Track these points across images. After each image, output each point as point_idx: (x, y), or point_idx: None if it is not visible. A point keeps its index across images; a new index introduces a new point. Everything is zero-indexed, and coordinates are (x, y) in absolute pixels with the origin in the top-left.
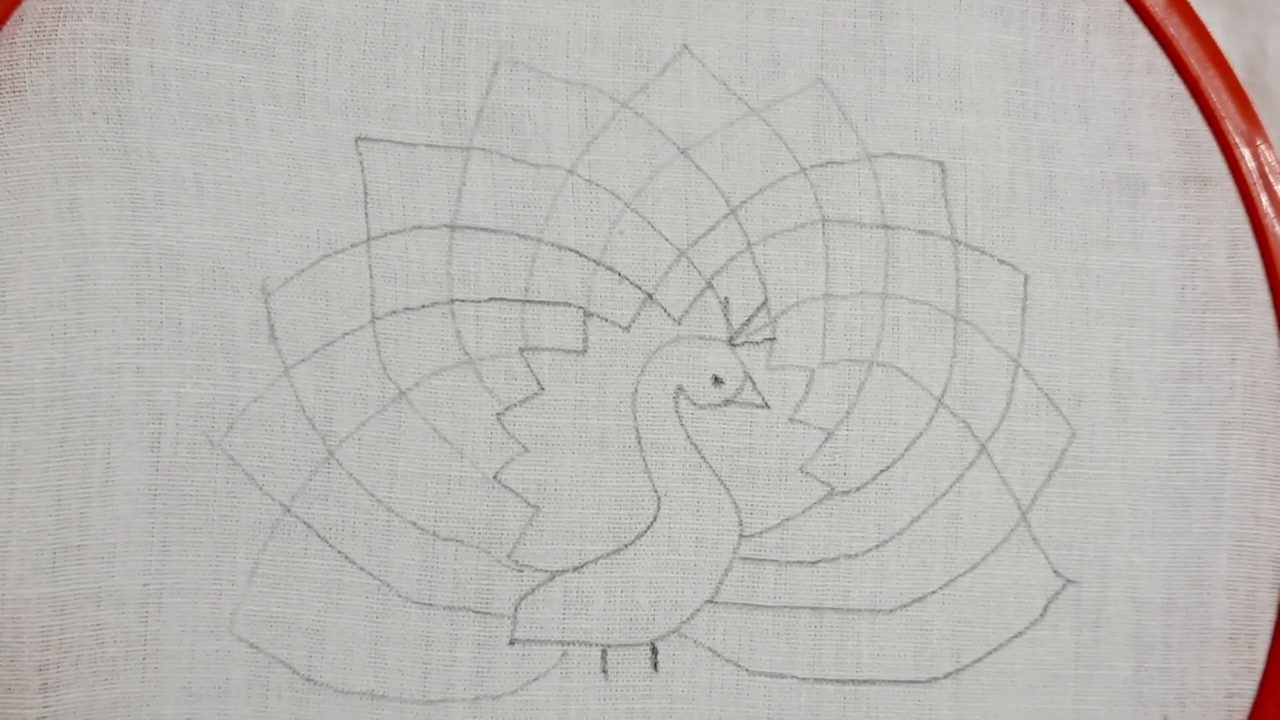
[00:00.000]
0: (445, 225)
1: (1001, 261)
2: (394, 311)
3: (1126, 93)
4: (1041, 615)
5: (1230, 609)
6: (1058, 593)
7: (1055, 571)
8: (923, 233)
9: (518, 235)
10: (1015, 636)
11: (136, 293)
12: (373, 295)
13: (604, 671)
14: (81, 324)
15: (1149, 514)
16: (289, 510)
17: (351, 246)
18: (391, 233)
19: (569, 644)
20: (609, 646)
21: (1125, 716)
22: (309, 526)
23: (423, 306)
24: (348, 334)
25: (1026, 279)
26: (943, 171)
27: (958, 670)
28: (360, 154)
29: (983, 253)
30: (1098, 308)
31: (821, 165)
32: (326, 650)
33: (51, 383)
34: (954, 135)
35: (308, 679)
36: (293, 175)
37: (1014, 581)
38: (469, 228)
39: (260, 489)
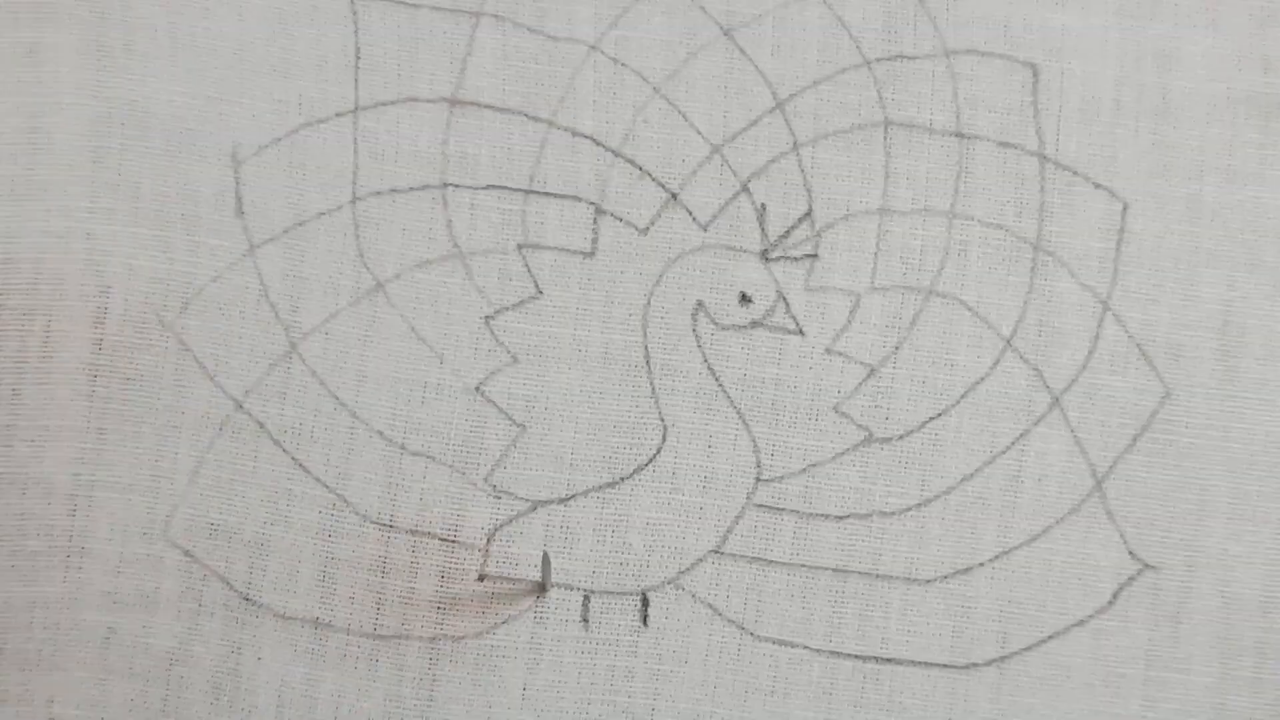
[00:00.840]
0: (444, 99)
1: (1097, 185)
2: (378, 192)
3: None
4: (1110, 603)
5: None
6: (1132, 578)
7: (1131, 553)
8: (1004, 145)
9: (526, 116)
10: (1076, 624)
11: (94, 150)
12: (355, 172)
13: (584, 620)
14: (31, 181)
15: (1252, 495)
16: (240, 406)
17: (336, 116)
18: (383, 103)
19: (545, 586)
20: (592, 592)
21: None
22: (261, 426)
23: (411, 189)
24: (324, 214)
25: (1126, 207)
26: (1035, 75)
27: (1003, 658)
28: (355, 12)
29: (1075, 173)
30: (1210, 248)
31: (889, 59)
32: (269, 567)
33: None
34: (1052, 34)
35: (245, 597)
36: (277, 32)
37: (1080, 560)
38: (471, 103)
39: (211, 379)
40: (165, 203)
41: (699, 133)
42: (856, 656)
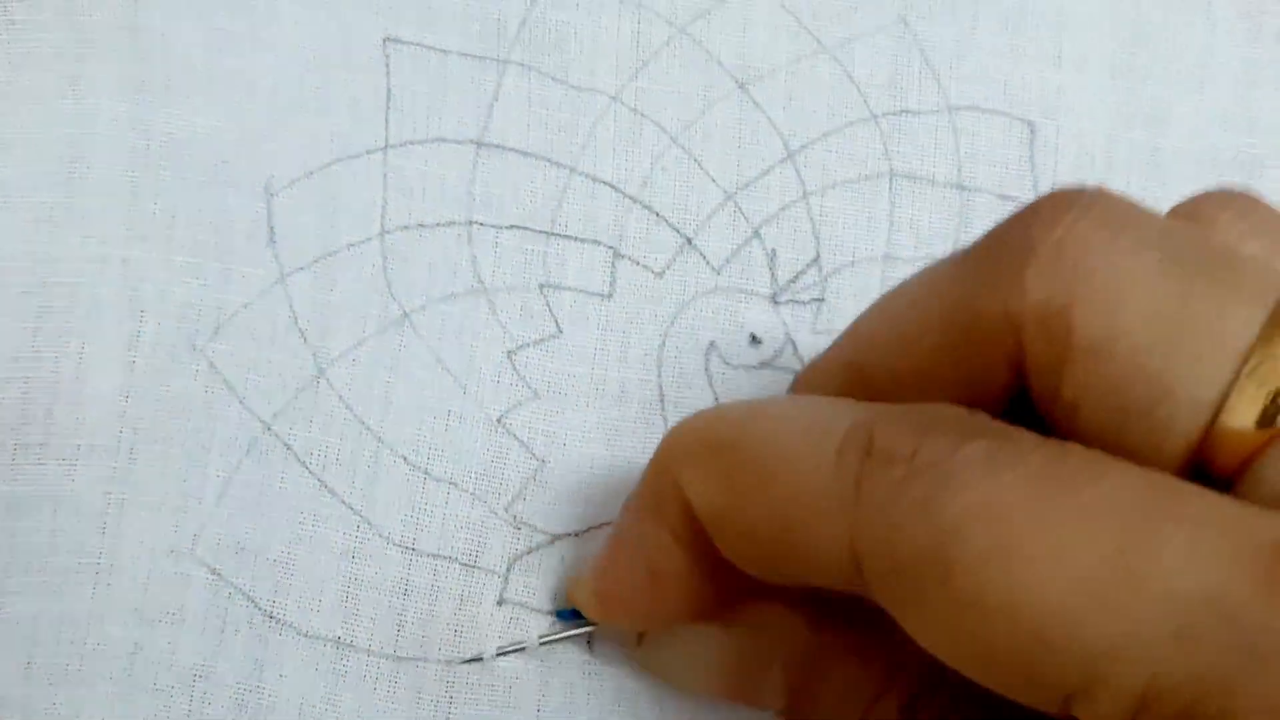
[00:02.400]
0: (471, 141)
1: None
2: (406, 227)
3: (1251, 62)
4: None
5: None
6: None
7: None
8: (1003, 197)
9: (549, 161)
10: None
11: (132, 181)
12: (384, 206)
13: (588, 644)
14: (70, 209)
15: None
16: (269, 429)
17: (367, 153)
18: (412, 143)
19: (561, 613)
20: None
21: None
22: (289, 448)
23: (438, 225)
24: (353, 245)
25: None
26: (1032, 132)
27: None
28: (387, 56)
29: None
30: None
31: (895, 114)
32: (293, 586)
33: (32, 268)
34: (1048, 93)
35: (269, 615)
36: (311, 72)
37: None
38: (497, 146)
39: (241, 402)
40: (199, 232)
41: (713, 180)
42: None
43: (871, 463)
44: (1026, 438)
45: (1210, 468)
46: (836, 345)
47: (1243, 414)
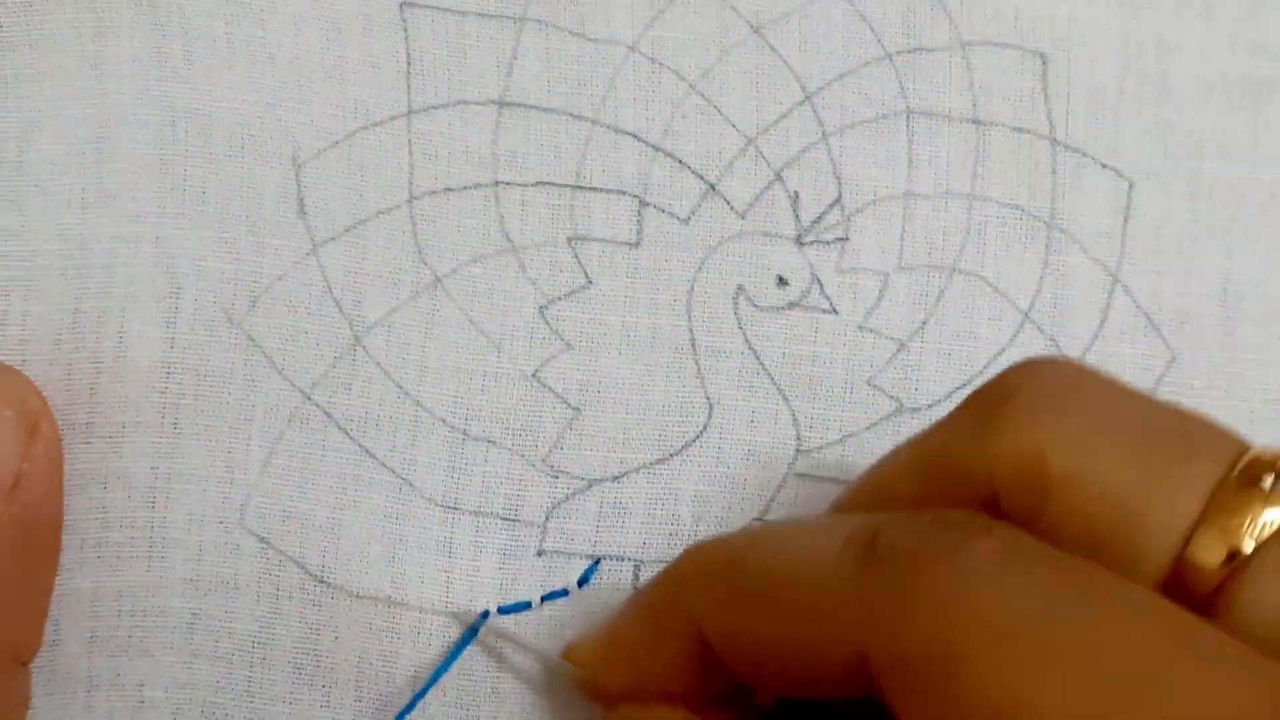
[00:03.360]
0: (493, 101)
1: (1104, 166)
2: (433, 191)
3: None
4: None
5: None
6: None
7: None
8: (1018, 130)
9: (571, 115)
10: None
11: (160, 158)
12: (411, 172)
13: (635, 588)
14: (101, 189)
15: None
16: (309, 398)
17: (391, 119)
18: (435, 107)
19: (600, 557)
20: (643, 562)
21: None
22: (329, 416)
23: (464, 188)
24: (382, 213)
25: (1131, 186)
26: (1044, 64)
27: None
28: (405, 21)
29: (1084, 155)
30: (1209, 221)
31: (909, 51)
32: (341, 550)
33: (68, 250)
34: (1059, 24)
35: (320, 579)
36: (331, 40)
37: None
38: (519, 105)
39: (280, 373)
40: (230, 206)
41: (734, 126)
42: None
43: (876, 559)
44: (1034, 542)
45: (1182, 593)
46: (836, 502)
47: (1208, 551)
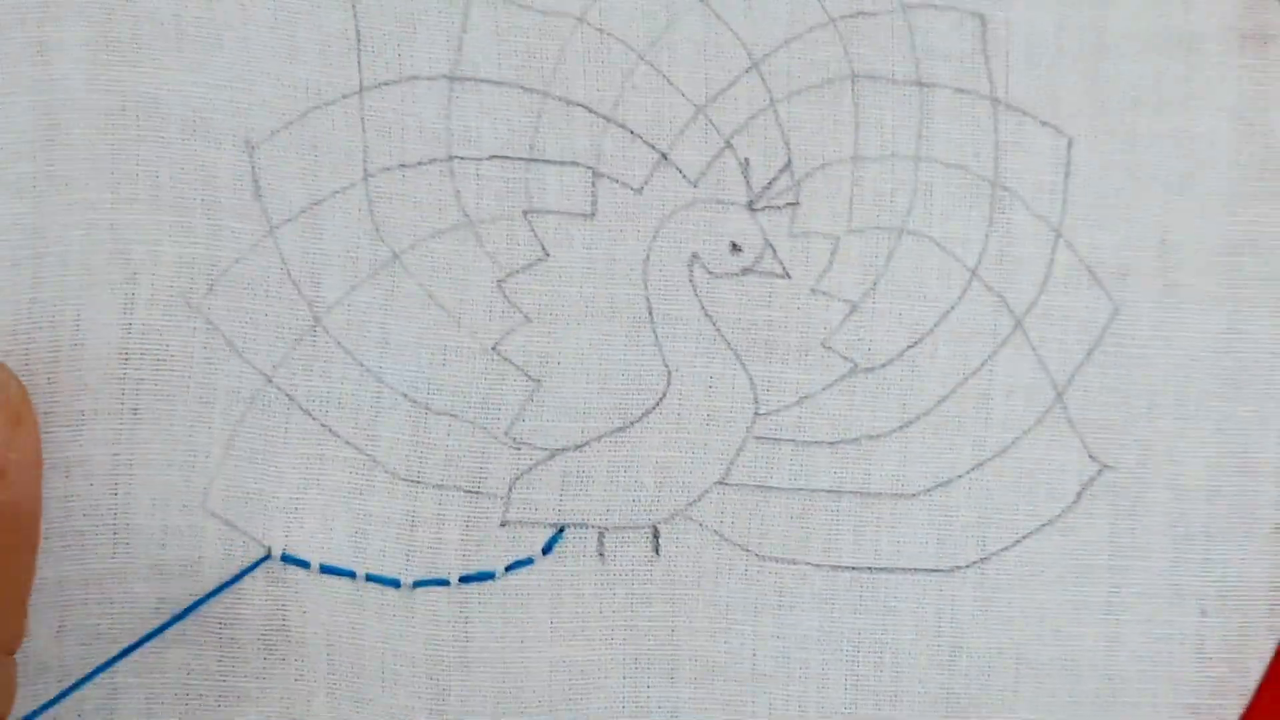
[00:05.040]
0: (444, 76)
1: (1044, 123)
2: (388, 169)
3: None
4: (1075, 502)
5: (1278, 498)
6: (1093, 478)
7: (1091, 456)
8: (960, 91)
9: (522, 88)
10: (1046, 524)
11: (111, 143)
12: (365, 150)
13: (600, 555)
14: (52, 176)
15: (1195, 395)
16: (270, 380)
17: (343, 98)
18: (386, 83)
19: (563, 526)
20: (607, 529)
21: (1161, 609)
22: (291, 398)
23: (419, 164)
24: (338, 192)
25: (1071, 142)
26: (983, 24)
27: (983, 559)
28: None
29: (1024, 114)
30: (1147, 174)
31: (852, 16)
32: (305, 528)
33: (21, 240)
34: None
35: (283, 558)
36: (280, 19)
37: (1046, 466)
38: (470, 79)
39: (240, 356)
40: (185, 189)
41: (683, 95)
42: (853, 568)
43: None
44: None
45: None
46: None
47: None
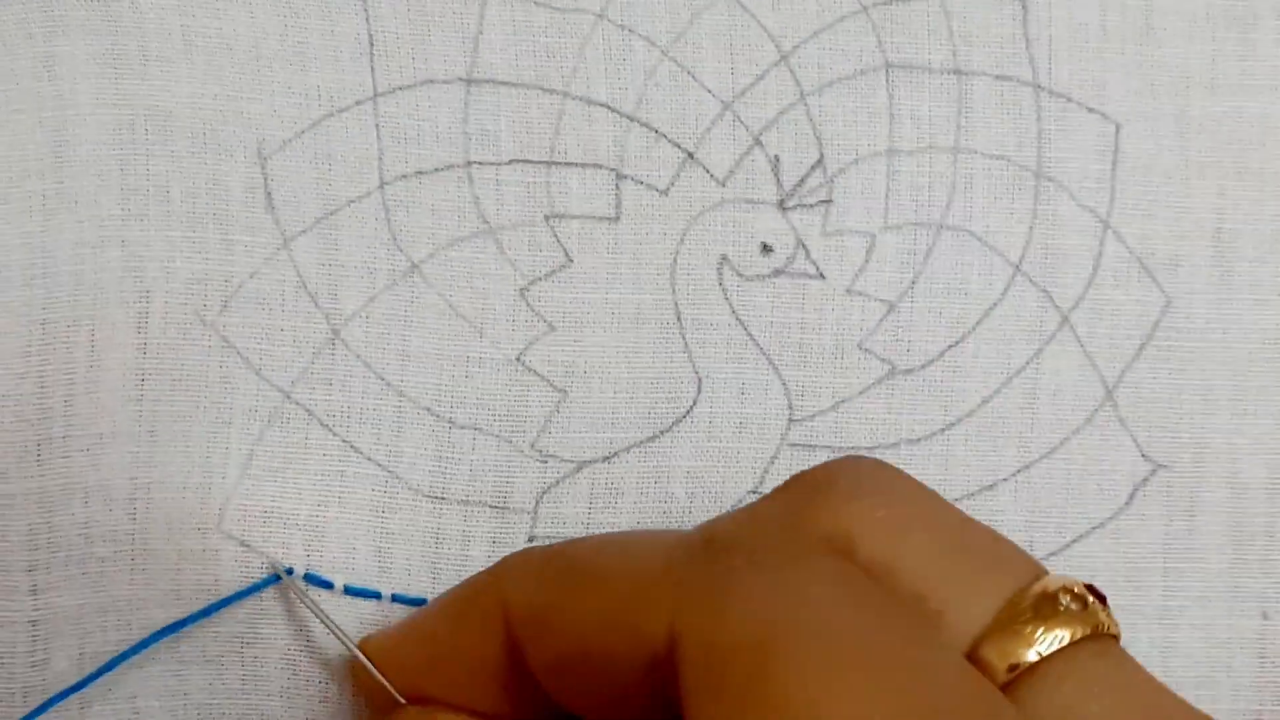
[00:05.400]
0: (460, 79)
1: (1090, 109)
2: (404, 176)
3: None
4: (1127, 504)
5: None
6: (1146, 479)
7: (1144, 455)
8: (1000, 78)
9: (541, 89)
10: (1097, 527)
11: (120, 159)
12: (380, 158)
13: None
14: (61, 194)
15: (1252, 390)
16: (289, 396)
17: (356, 104)
18: (400, 88)
19: None
20: None
21: (1219, 614)
22: (310, 413)
23: (436, 170)
24: (353, 201)
25: (1118, 128)
26: (1024, 7)
27: None
28: (365, 0)
29: (1068, 99)
30: (1199, 159)
31: (885, 3)
32: (326, 547)
33: (31, 259)
34: None
35: (304, 578)
36: (290, 26)
37: (1097, 467)
38: (487, 81)
39: (258, 373)
40: (196, 203)
41: (709, 91)
42: None
43: (712, 550)
44: (872, 583)
45: None
46: None
47: (994, 657)
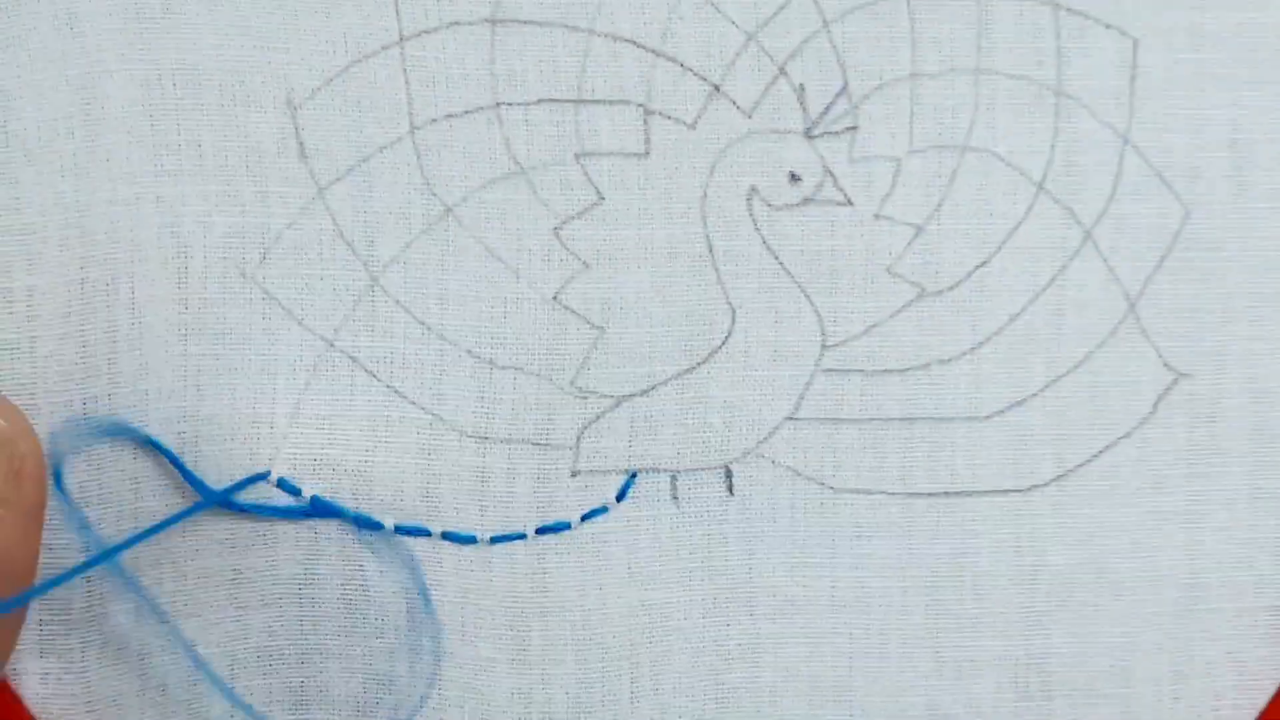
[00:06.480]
0: (485, 20)
1: (1108, 26)
2: (434, 120)
3: None
4: (1151, 413)
5: None
6: (1169, 388)
7: (1166, 365)
8: None
9: (566, 27)
10: (1123, 437)
11: (150, 114)
12: (410, 102)
13: (675, 498)
14: (93, 152)
15: (1270, 296)
16: (332, 345)
17: (383, 49)
18: (426, 31)
19: (635, 472)
20: (679, 472)
21: (1242, 515)
22: (355, 360)
23: (465, 112)
24: (385, 147)
25: (1136, 44)
26: None
27: (1060, 476)
28: None
29: (1086, 17)
30: (1215, 71)
31: None
32: (375, 492)
33: (66, 219)
34: None
35: (357, 520)
36: None
37: (1121, 378)
38: (512, 21)
39: (300, 324)
40: (229, 156)
41: (733, 22)
42: (929, 494)
43: None
44: None
45: None
46: None
47: None
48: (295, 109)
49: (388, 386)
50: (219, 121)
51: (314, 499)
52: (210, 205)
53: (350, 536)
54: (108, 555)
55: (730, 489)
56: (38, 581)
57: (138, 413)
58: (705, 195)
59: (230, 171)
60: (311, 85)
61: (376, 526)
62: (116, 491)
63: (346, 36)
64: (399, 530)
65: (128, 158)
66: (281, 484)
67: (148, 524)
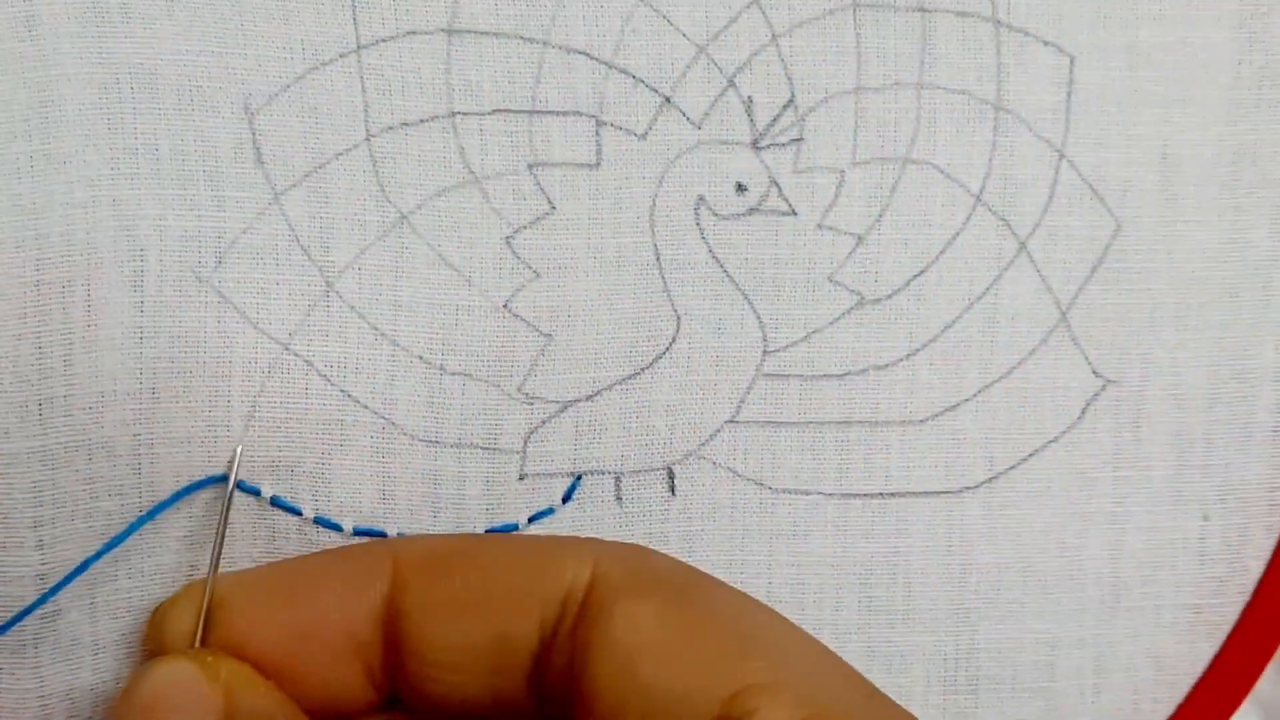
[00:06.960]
0: (442, 29)
1: (1047, 43)
2: (390, 128)
3: None
4: (1079, 418)
5: (1276, 401)
6: (1097, 394)
7: (1095, 372)
8: (961, 14)
9: (521, 39)
10: (1051, 441)
11: (107, 117)
12: (366, 110)
13: (618, 499)
14: (49, 155)
15: (1194, 306)
16: (287, 348)
17: (340, 56)
18: (383, 40)
19: (580, 474)
20: (623, 474)
21: (1164, 517)
22: (309, 364)
23: (421, 121)
24: (341, 154)
25: (1073, 61)
26: None
27: (991, 479)
28: None
29: (1026, 34)
30: (1148, 89)
31: None
32: (333, 493)
33: (21, 221)
34: None
35: (314, 523)
36: None
37: (1052, 385)
38: (468, 31)
39: (255, 327)
40: (186, 160)
41: (684, 35)
42: (864, 495)
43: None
44: None
45: None
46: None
47: None
48: (252, 115)
49: (341, 391)
50: (176, 126)
51: (273, 499)
52: (166, 209)
53: (308, 537)
54: (83, 567)
55: (672, 489)
56: None
57: (93, 415)
58: (654, 205)
59: (187, 176)
60: (269, 91)
61: (335, 528)
62: (71, 492)
63: (304, 43)
64: (357, 532)
65: (84, 160)
66: (241, 486)
67: (102, 524)
